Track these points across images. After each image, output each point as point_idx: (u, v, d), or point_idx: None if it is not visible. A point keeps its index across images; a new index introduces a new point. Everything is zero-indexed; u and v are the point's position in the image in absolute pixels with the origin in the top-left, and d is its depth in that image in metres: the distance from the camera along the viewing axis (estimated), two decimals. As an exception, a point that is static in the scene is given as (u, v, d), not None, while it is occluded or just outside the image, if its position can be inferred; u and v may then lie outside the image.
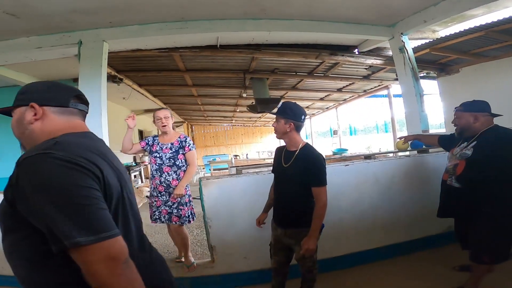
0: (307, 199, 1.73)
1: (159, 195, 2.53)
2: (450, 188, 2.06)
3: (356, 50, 5.08)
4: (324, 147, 12.70)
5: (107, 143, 3.22)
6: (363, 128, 25.44)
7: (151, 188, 2.61)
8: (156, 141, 2.64)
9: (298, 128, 1.81)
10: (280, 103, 1.83)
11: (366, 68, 5.89)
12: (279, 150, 1.98)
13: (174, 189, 2.48)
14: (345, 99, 9.17)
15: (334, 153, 8.31)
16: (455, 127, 2.14)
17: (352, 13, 3.70)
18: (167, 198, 2.51)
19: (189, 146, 2.60)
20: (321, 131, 20.95)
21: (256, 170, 2.56)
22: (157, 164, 2.54)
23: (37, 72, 4.61)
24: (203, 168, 12.08)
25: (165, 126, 2.59)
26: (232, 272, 2.42)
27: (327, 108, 10.84)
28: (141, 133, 11.07)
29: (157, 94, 7.77)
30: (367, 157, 2.83)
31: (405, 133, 3.56)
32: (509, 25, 3.73)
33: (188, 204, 2.58)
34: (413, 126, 3.79)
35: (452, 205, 2.09)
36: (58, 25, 2.97)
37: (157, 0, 2.84)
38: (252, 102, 7.73)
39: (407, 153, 3.07)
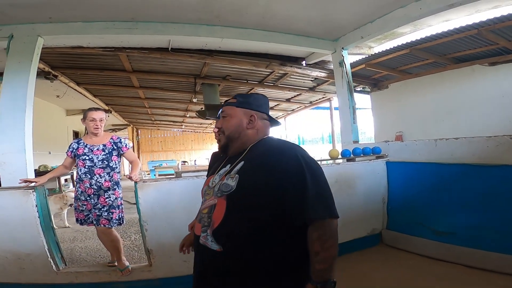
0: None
1: (88, 198, 2.40)
2: (204, 251, 1.02)
3: (303, 62, 5.45)
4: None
5: (29, 142, 2.91)
6: (311, 139, 27.00)
7: (77, 192, 2.46)
8: (82, 143, 2.47)
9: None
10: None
11: (311, 80, 6.34)
12: (215, 157, 1.44)
13: (105, 191, 2.40)
14: (293, 109, 9.67)
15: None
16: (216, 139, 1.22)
17: (302, 26, 3.95)
18: (97, 200, 2.39)
19: (126, 146, 2.54)
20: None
21: (196, 174, 2.57)
22: (86, 166, 2.39)
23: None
24: (148, 174, 11.47)
25: (97, 128, 2.45)
26: (172, 276, 2.38)
27: (276, 117, 11.28)
28: (76, 134, 10.06)
29: (98, 94, 7.20)
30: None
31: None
32: (430, 43, 4.22)
33: (119, 207, 2.50)
34: (346, 136, 4.18)
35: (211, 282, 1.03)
36: None
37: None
38: (202, 108, 7.69)
39: (339, 160, 3.36)
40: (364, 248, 3.00)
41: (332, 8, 3.33)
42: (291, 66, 5.34)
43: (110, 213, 2.40)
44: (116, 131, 13.26)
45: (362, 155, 3.18)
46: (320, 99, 8.07)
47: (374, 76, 6.28)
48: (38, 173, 4.72)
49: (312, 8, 3.30)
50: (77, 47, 3.57)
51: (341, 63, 4.30)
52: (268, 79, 6.05)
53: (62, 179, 6.34)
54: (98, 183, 2.38)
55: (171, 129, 16.48)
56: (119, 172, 2.54)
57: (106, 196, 2.39)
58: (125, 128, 13.94)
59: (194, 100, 7.07)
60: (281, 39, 4.13)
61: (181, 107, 9.22)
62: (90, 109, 2.48)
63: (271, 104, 8.68)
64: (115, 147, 2.48)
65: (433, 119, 5.61)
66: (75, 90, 5.96)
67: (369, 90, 6.80)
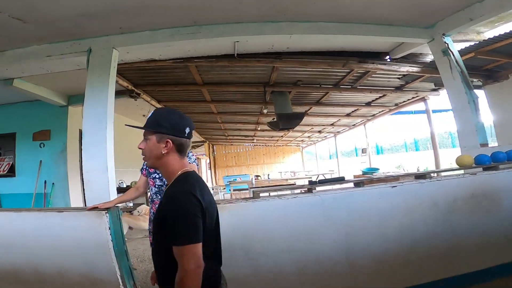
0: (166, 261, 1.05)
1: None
2: None
3: (387, 57, 4.61)
4: (351, 167, 11.91)
5: (111, 159, 2.93)
6: (390, 147, 24.28)
7: (150, 213, 2.25)
8: None
9: (180, 148, 1.14)
10: (151, 113, 1.20)
11: (399, 78, 5.35)
12: None
13: None
14: (373, 115, 8.54)
15: (364, 173, 7.60)
16: None
17: (385, 13, 3.31)
18: None
19: (194, 162, 2.23)
20: (345, 151, 20.10)
21: (278, 193, 2.20)
22: (156, 186, 2.17)
23: (55, 85, 4.57)
24: (223, 188, 11.70)
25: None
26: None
27: (353, 125, 10.21)
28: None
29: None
30: (419, 176, 2.33)
31: (450, 150, 2.96)
32: None
33: None
34: (467, 139, 3.18)
35: None
36: (68, 32, 2.83)
37: (167, 3, 2.63)
38: (273, 119, 7.39)
39: (471, 170, 2.48)
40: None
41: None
42: (373, 63, 4.55)
43: None
44: (194, 148, 14.19)
45: (507, 161, 2.32)
46: (409, 100, 6.83)
47: (487, 66, 4.92)
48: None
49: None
50: (151, 61, 3.68)
51: (446, 52, 3.43)
52: (345, 81, 5.34)
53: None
54: None
55: (243, 144, 16.87)
56: None
57: None
58: (202, 144, 14.82)
59: (265, 111, 6.82)
60: (359, 31, 3.52)
61: (252, 120, 9.16)
62: None
63: (348, 110, 7.81)
64: None
65: None
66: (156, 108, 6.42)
67: (480, 83, 5.36)
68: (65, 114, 5.38)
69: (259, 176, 13.87)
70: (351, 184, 2.31)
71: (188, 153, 2.11)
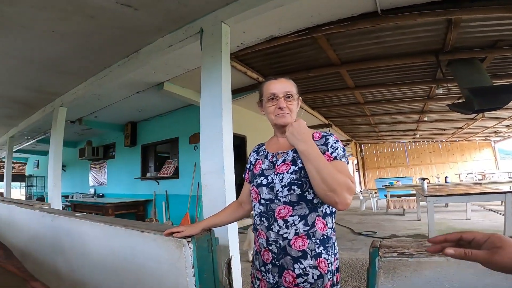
0: None
1: (263, 271, 1.10)
2: None
3: None
4: None
5: (230, 157, 2.24)
6: None
7: (252, 253, 1.29)
8: (262, 152, 1.26)
9: None
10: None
11: None
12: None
13: (295, 258, 1.01)
14: None
15: None
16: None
17: None
18: (278, 279, 1.04)
19: (335, 150, 1.06)
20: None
21: None
22: (260, 200, 1.12)
23: (197, 87, 4.73)
24: (376, 193, 9.72)
25: (283, 115, 1.14)
26: None
27: None
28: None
29: (316, 105, 6.78)
30: None
31: None
32: None
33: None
34: None
35: None
36: (179, 15, 2.56)
37: None
38: (457, 100, 5.16)
39: None
40: None
41: None
42: None
43: None
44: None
45: None
46: None
47: None
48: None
49: None
50: (272, 40, 2.99)
51: None
52: None
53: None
54: (280, 240, 1.05)
55: (399, 141, 13.93)
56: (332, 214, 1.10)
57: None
58: (347, 144, 13.26)
59: (438, 91, 4.79)
60: None
61: (414, 108, 6.96)
62: (268, 79, 1.22)
63: None
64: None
65: None
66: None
67: None
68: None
69: (427, 179, 10.83)
70: None
71: (333, 139, 1.11)
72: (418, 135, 11.43)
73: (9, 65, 3.42)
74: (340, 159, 1.05)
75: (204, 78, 2.48)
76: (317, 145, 1.07)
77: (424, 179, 10.80)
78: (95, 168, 8.93)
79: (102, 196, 8.40)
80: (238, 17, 2.41)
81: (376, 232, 5.03)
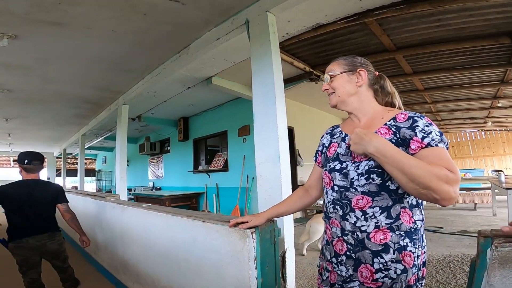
0: None
1: (334, 262, 1.05)
2: None
3: None
4: None
5: (285, 146, 1.68)
6: None
7: (323, 242, 1.17)
8: (338, 134, 1.17)
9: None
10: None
11: None
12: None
13: (374, 252, 0.95)
14: None
15: None
16: None
17: None
18: (352, 272, 0.99)
19: (428, 135, 0.90)
20: None
21: None
22: (333, 187, 1.06)
23: (244, 80, 4.77)
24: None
25: (329, 100, 1.16)
26: None
27: None
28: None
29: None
30: None
31: None
32: None
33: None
34: None
35: None
36: (225, 6, 2.59)
37: None
38: None
39: None
40: None
41: None
42: None
43: None
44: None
45: None
46: None
47: None
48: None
49: None
50: (318, 28, 2.85)
51: None
52: None
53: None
54: (357, 231, 1.00)
55: (465, 130, 12.40)
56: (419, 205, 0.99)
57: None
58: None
59: (514, 74, 4.13)
60: None
61: (485, 94, 6.10)
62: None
63: None
64: (402, 136, 0.94)
65: None
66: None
67: None
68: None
69: (501, 171, 9.48)
70: None
71: (422, 122, 0.95)
72: (490, 123, 10.02)
73: (80, 65, 3.62)
74: (436, 145, 0.88)
75: (255, 67, 2.49)
76: (402, 127, 0.94)
77: (498, 171, 9.50)
78: (153, 162, 9.68)
79: (159, 189, 9.04)
80: (282, 5, 2.36)
81: (442, 228, 4.60)
